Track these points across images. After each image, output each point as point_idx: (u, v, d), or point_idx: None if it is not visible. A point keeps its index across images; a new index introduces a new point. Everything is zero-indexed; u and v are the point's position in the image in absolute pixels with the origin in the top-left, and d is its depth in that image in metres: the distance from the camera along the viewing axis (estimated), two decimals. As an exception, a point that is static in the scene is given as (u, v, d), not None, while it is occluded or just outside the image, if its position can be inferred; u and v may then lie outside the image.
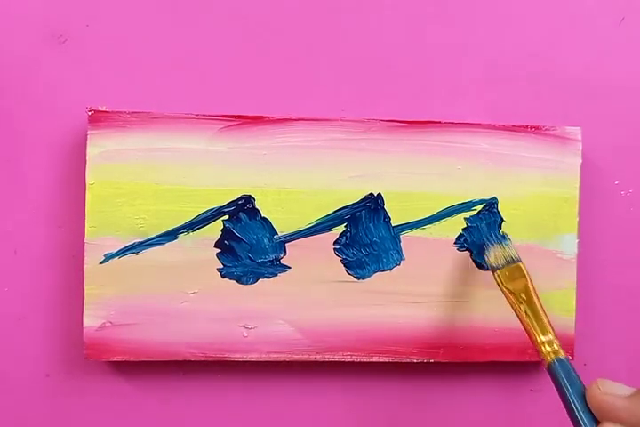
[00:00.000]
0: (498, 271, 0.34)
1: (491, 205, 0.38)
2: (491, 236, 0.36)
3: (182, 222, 0.36)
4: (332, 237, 0.37)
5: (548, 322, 0.31)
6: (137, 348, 0.36)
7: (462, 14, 0.40)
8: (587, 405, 0.27)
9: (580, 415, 0.27)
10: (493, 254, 0.35)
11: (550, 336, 0.30)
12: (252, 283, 0.37)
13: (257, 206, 0.37)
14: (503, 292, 0.33)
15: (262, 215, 0.37)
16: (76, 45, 0.38)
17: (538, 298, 0.32)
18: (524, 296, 0.32)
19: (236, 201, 0.36)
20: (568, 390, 0.28)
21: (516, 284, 0.33)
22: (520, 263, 0.34)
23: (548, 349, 0.29)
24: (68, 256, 0.38)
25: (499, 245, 0.35)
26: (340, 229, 0.37)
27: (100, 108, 0.36)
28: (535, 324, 0.31)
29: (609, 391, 0.27)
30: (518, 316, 0.32)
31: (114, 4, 0.38)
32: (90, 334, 0.36)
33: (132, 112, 0.36)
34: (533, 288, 0.32)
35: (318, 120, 0.37)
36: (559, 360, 0.29)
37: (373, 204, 0.37)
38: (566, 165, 0.38)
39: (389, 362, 0.37)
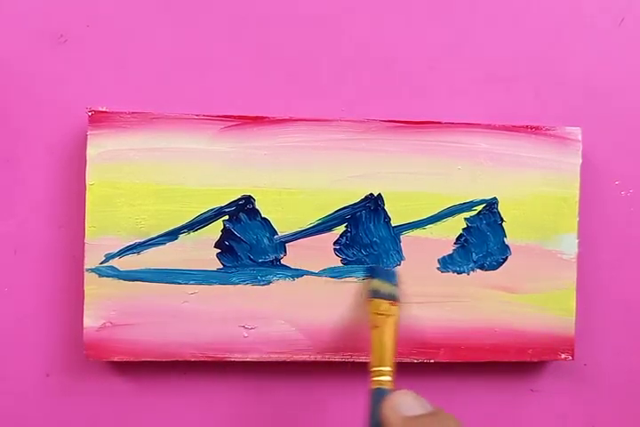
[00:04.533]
0: (378, 299, 0.35)
1: (491, 205, 0.38)
2: (386, 273, 0.37)
3: (182, 222, 0.36)
4: (333, 238, 0.37)
5: (390, 355, 0.33)
6: (137, 348, 0.36)
7: (462, 14, 0.40)
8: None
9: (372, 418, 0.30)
10: (382, 285, 0.36)
11: (378, 368, 0.32)
12: (252, 283, 0.36)
13: (257, 206, 0.37)
14: (372, 316, 0.35)
15: (262, 215, 0.37)
16: (76, 45, 0.38)
17: (394, 335, 0.34)
18: (385, 329, 0.34)
19: (237, 201, 0.36)
20: (372, 414, 0.30)
21: (384, 317, 0.34)
22: (399, 304, 0.35)
23: (377, 378, 0.32)
24: (68, 256, 0.38)
25: (390, 283, 0.36)
26: (341, 229, 0.37)
27: (100, 109, 0.36)
28: (379, 352, 0.33)
29: (394, 406, 0.28)
30: (371, 339, 0.34)
31: (114, 4, 0.38)
32: (90, 334, 0.36)
33: (132, 112, 0.36)
34: (396, 328, 0.34)
35: (318, 120, 0.37)
36: (378, 390, 0.31)
37: (373, 204, 0.37)
38: (566, 165, 0.38)
39: (389, 362, 0.37)
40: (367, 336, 0.37)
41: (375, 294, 0.35)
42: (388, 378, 0.32)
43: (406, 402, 0.28)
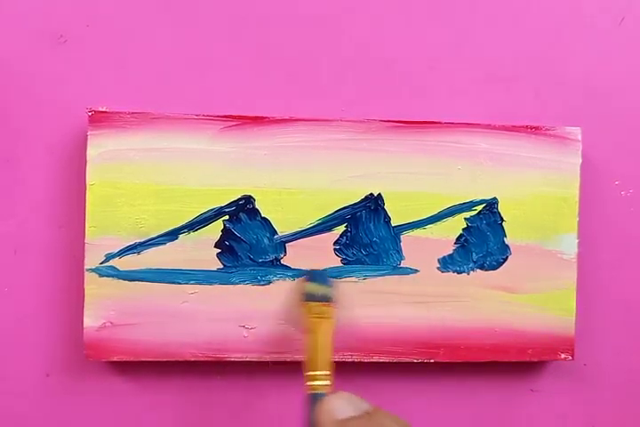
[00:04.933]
0: (312, 302, 0.34)
1: (491, 205, 0.38)
2: (319, 275, 0.36)
3: (182, 222, 0.36)
4: (333, 238, 0.37)
5: (325, 358, 0.32)
6: (137, 348, 0.36)
7: (462, 14, 0.40)
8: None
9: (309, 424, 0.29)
10: (315, 287, 0.35)
11: (314, 372, 0.32)
12: (252, 283, 0.36)
13: (257, 206, 0.37)
14: (307, 320, 0.34)
15: (262, 215, 0.37)
16: (76, 45, 0.38)
17: (330, 337, 0.33)
18: (319, 332, 0.33)
19: (237, 201, 0.36)
20: (309, 420, 0.30)
21: (319, 320, 0.34)
22: (334, 306, 0.35)
23: (312, 383, 0.31)
24: (68, 256, 0.38)
25: (324, 284, 0.35)
26: (341, 229, 0.37)
27: (100, 109, 0.36)
28: (314, 356, 0.32)
29: (328, 410, 0.27)
30: (306, 343, 0.33)
31: (114, 4, 0.38)
32: (90, 334, 0.36)
33: (132, 112, 0.36)
34: (331, 330, 0.34)
35: (318, 120, 0.37)
36: (314, 394, 0.31)
37: (373, 204, 0.37)
38: (566, 165, 0.38)
39: (389, 362, 0.37)
40: (367, 336, 0.37)
41: (309, 297, 0.34)
42: (323, 382, 0.31)
43: (339, 405, 0.27)
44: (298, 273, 0.37)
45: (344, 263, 0.37)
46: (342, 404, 0.27)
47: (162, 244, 0.36)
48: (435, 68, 0.40)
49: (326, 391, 0.31)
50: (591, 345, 0.40)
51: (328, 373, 0.32)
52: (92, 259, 0.36)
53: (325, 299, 0.34)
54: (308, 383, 0.31)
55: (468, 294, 0.38)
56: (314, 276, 0.36)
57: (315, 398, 0.30)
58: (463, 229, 0.38)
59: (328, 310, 0.34)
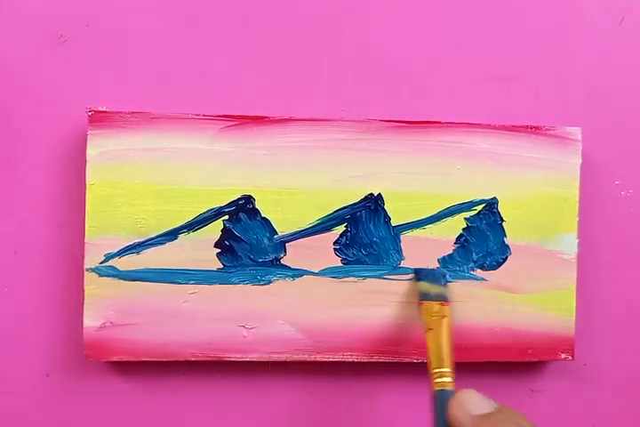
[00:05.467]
0: (429, 301, 0.35)
1: (491, 205, 0.38)
2: (433, 274, 0.37)
3: (182, 222, 0.36)
4: (333, 238, 0.37)
5: (448, 356, 0.32)
6: (137, 348, 0.36)
7: (462, 14, 0.40)
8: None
9: (437, 420, 0.29)
10: (431, 286, 0.36)
11: (438, 369, 0.32)
12: (252, 283, 0.36)
13: (257, 206, 0.37)
14: (425, 319, 0.34)
15: (262, 215, 0.37)
16: (76, 45, 0.38)
17: (449, 336, 0.33)
18: (439, 330, 0.34)
19: (236, 201, 0.36)
20: (438, 416, 0.30)
21: (437, 318, 0.34)
22: (449, 304, 0.35)
23: (439, 380, 0.31)
24: (68, 256, 0.38)
25: (438, 284, 0.36)
26: (341, 229, 0.37)
27: (100, 109, 0.36)
28: (437, 354, 0.32)
29: (462, 406, 0.27)
30: (427, 342, 0.34)
31: (114, 4, 0.38)
32: (90, 334, 0.36)
33: (132, 112, 0.36)
34: (450, 328, 0.34)
35: (318, 120, 0.37)
36: (441, 391, 0.31)
37: (373, 204, 0.37)
38: (566, 165, 0.38)
39: (389, 362, 0.37)
40: (367, 336, 0.37)
41: (425, 297, 0.35)
42: (449, 379, 0.31)
43: (474, 401, 0.27)
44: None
45: (344, 263, 0.37)
46: (477, 400, 0.27)
47: (161, 244, 0.36)
48: (435, 68, 0.40)
49: (452, 388, 0.31)
50: (591, 345, 0.40)
51: (451, 370, 0.31)
52: (92, 259, 0.36)
53: (441, 298, 0.35)
54: (436, 380, 0.31)
55: (467, 294, 0.38)
56: (428, 275, 0.36)
57: (442, 395, 0.30)
58: (463, 229, 0.38)
59: (445, 308, 0.34)
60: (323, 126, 0.37)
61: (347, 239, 0.37)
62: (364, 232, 0.37)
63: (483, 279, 0.38)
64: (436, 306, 0.34)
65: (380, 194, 0.37)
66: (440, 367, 0.31)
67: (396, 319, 0.37)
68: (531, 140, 0.38)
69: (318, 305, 0.37)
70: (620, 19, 0.41)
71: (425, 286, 0.36)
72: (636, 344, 0.41)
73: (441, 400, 0.30)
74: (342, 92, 0.39)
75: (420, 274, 0.37)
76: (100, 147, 0.36)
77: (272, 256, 0.37)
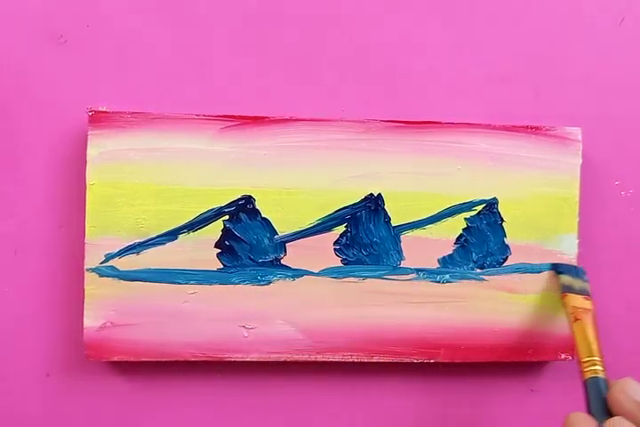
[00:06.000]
0: (573, 294, 0.36)
1: (491, 205, 0.38)
2: (574, 269, 0.38)
3: (182, 222, 0.36)
4: (333, 238, 0.37)
5: (597, 346, 0.34)
6: (137, 348, 0.36)
7: (462, 14, 0.40)
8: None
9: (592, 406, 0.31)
10: (574, 280, 0.37)
11: (589, 358, 0.33)
12: (252, 283, 0.37)
13: (257, 206, 0.37)
14: (572, 310, 0.35)
15: (262, 215, 0.37)
16: (76, 46, 0.38)
17: (593, 327, 0.34)
18: (586, 322, 0.35)
19: (237, 201, 0.36)
20: (592, 402, 0.31)
21: (583, 311, 0.35)
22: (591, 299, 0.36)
23: (591, 368, 0.33)
24: (68, 256, 0.38)
25: (580, 279, 0.37)
26: (341, 229, 0.37)
27: (100, 109, 0.36)
28: (586, 344, 0.34)
29: (626, 391, 0.29)
30: (574, 333, 0.35)
31: (114, 4, 0.38)
32: (90, 334, 0.36)
33: (132, 112, 0.36)
34: (594, 322, 0.35)
35: (318, 120, 0.37)
36: (594, 378, 0.32)
37: (374, 204, 0.37)
38: (566, 165, 0.38)
39: (389, 362, 0.37)
40: (367, 336, 0.37)
41: (569, 290, 0.36)
42: (600, 367, 0.32)
43: (636, 387, 0.29)
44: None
45: (344, 263, 0.37)
46: (638, 387, 0.29)
47: (162, 244, 0.36)
48: (435, 68, 0.40)
49: (605, 376, 0.32)
50: (591, 345, 0.40)
51: (601, 359, 0.33)
52: (92, 259, 0.36)
53: (584, 292, 0.36)
54: (588, 368, 0.32)
55: (467, 294, 0.38)
56: (569, 269, 0.37)
57: (596, 382, 0.31)
58: (463, 230, 0.38)
59: (589, 302, 0.35)
60: (323, 126, 0.37)
61: (347, 239, 0.37)
62: (364, 232, 0.37)
63: (483, 279, 0.38)
64: (580, 299, 0.35)
65: (380, 194, 0.37)
66: (591, 356, 0.33)
67: (396, 319, 0.37)
68: (531, 141, 0.38)
69: (318, 305, 0.37)
70: (620, 19, 0.41)
71: (567, 279, 0.37)
72: (636, 344, 0.41)
73: (596, 387, 0.31)
74: (342, 92, 0.39)
75: (560, 268, 0.38)
76: (100, 147, 0.36)
77: (272, 256, 0.37)
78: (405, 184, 0.37)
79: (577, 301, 0.35)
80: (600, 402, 0.30)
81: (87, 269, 0.36)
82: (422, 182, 0.37)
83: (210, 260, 0.36)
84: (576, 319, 0.34)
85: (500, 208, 0.38)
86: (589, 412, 0.31)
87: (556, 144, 0.38)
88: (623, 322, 0.41)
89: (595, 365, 0.32)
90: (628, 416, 0.28)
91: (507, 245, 0.38)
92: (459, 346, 0.38)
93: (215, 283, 0.36)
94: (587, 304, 0.35)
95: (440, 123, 0.37)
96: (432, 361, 0.38)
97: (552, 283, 0.38)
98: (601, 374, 0.32)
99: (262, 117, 0.36)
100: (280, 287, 0.37)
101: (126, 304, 0.36)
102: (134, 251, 0.36)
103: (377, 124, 0.37)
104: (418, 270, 0.37)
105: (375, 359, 0.37)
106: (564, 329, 0.38)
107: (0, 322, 0.38)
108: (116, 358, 0.36)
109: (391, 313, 0.37)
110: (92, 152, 0.36)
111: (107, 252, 0.36)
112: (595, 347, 0.33)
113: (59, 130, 0.38)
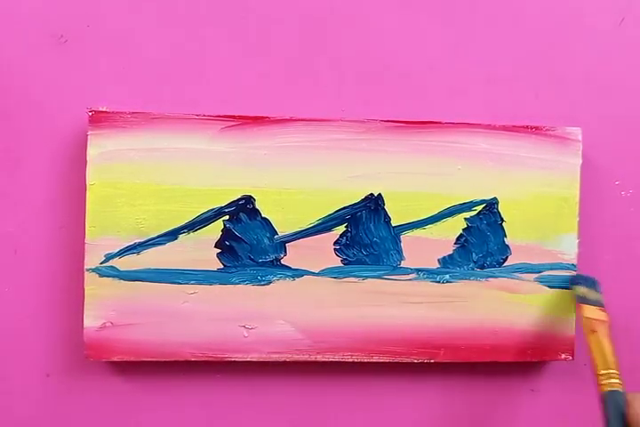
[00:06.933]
0: (588, 305, 0.36)
1: (491, 205, 0.38)
2: (590, 281, 0.38)
3: (182, 222, 0.36)
4: (333, 238, 0.37)
5: (613, 358, 0.34)
6: (137, 348, 0.36)
7: (462, 14, 0.40)
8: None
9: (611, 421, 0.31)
10: (589, 292, 0.37)
11: (606, 371, 0.33)
12: (252, 283, 0.37)
13: (257, 207, 0.37)
14: (587, 321, 0.36)
15: (262, 215, 0.37)
16: (76, 46, 0.38)
17: (609, 339, 0.35)
18: (602, 333, 0.35)
19: (237, 201, 0.36)
20: (611, 417, 0.31)
21: (599, 322, 0.36)
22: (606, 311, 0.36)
23: (608, 381, 0.33)
24: (68, 256, 0.38)
25: (595, 290, 0.37)
26: (341, 229, 0.37)
27: (101, 109, 0.36)
28: (602, 356, 0.34)
29: None
30: (590, 344, 0.35)
31: (114, 4, 0.38)
32: (90, 334, 0.36)
33: (132, 112, 0.36)
34: (609, 333, 0.35)
35: (319, 120, 0.37)
36: (613, 392, 0.32)
37: (374, 204, 0.37)
38: (566, 165, 0.38)
39: (389, 362, 0.37)
40: (367, 336, 0.37)
41: (584, 301, 0.36)
42: (617, 380, 0.32)
43: None
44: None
45: (344, 263, 0.37)
46: None
47: (162, 244, 0.36)
48: (435, 68, 0.40)
49: (623, 389, 0.32)
50: (591, 345, 0.40)
51: (618, 371, 0.33)
52: (92, 259, 0.36)
53: (599, 303, 0.36)
54: (604, 382, 0.32)
55: (468, 294, 0.38)
56: (585, 281, 0.37)
57: (614, 396, 0.32)
58: (463, 230, 0.38)
59: (604, 314, 0.35)
60: (323, 126, 0.37)
61: (347, 239, 0.37)
62: (364, 232, 0.37)
63: (483, 279, 0.38)
64: (595, 310, 0.35)
65: (380, 194, 0.37)
66: (607, 369, 0.33)
67: (396, 319, 0.37)
68: (531, 141, 0.38)
69: (318, 305, 0.37)
70: (620, 19, 0.41)
71: (583, 290, 0.37)
72: (637, 344, 0.41)
73: (614, 400, 0.31)
74: (342, 92, 0.39)
75: (575, 279, 0.38)
76: (100, 147, 0.36)
77: (272, 256, 0.37)
78: (405, 184, 0.37)
79: (592, 312, 0.35)
80: (619, 417, 0.30)
81: (87, 270, 0.36)
82: (422, 182, 0.37)
83: (210, 260, 0.36)
84: (592, 331, 0.35)
85: (500, 208, 0.38)
86: (607, 426, 0.31)
87: (556, 144, 0.38)
88: (623, 322, 0.41)
89: (611, 378, 0.32)
90: None
91: (507, 245, 0.38)
92: (459, 346, 0.38)
93: (215, 283, 0.36)
94: (602, 315, 0.35)
95: (440, 123, 0.37)
96: (432, 361, 0.38)
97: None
98: (618, 388, 0.32)
99: (262, 117, 0.36)
100: (280, 287, 0.37)
101: (126, 304, 0.36)
102: (134, 251, 0.36)
103: (377, 124, 0.37)
104: (418, 270, 0.37)
105: (375, 359, 0.37)
106: (564, 329, 0.38)
107: (0, 322, 0.38)
108: (115, 358, 0.36)
109: (391, 313, 0.37)
110: (92, 152, 0.36)
111: (107, 252, 0.36)
112: (611, 359, 0.33)
113: (59, 130, 0.38)
